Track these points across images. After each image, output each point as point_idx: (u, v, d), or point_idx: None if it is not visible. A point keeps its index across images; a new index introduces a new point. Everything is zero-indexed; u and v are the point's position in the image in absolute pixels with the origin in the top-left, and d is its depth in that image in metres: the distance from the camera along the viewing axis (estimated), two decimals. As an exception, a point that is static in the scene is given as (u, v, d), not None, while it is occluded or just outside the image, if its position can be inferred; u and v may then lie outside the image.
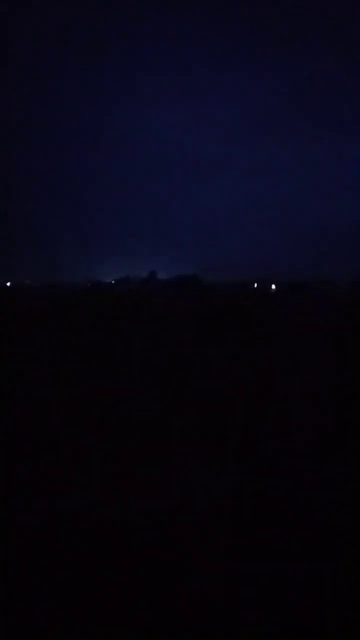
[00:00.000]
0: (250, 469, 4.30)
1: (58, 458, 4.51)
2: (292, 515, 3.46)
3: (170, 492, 3.80)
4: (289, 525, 3.32)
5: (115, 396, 6.97)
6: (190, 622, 2.43)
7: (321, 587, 2.70)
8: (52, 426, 5.49)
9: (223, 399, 6.80)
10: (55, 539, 3.13)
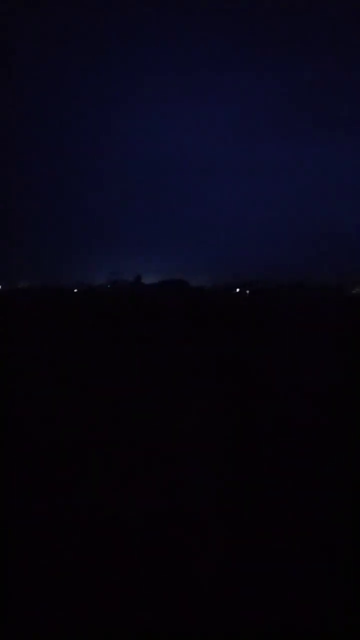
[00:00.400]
0: (250, 469, 4.30)
1: (58, 458, 4.51)
2: (292, 515, 3.46)
3: (170, 492, 3.80)
4: (289, 525, 3.32)
5: (115, 396, 6.97)
6: (190, 622, 2.43)
7: (321, 587, 2.70)
8: (52, 426, 5.49)
9: (223, 399, 6.80)
10: (55, 539, 3.13)
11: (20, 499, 3.71)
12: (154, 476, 4.12)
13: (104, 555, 2.95)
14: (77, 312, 25.44)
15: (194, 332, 15.67)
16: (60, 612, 2.48)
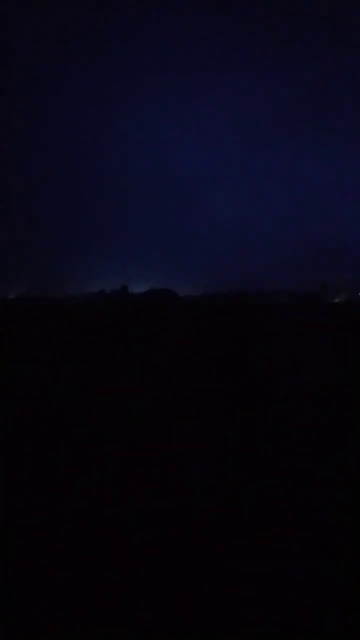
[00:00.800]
0: (250, 469, 4.30)
1: (58, 458, 4.51)
2: (292, 515, 3.46)
3: (170, 492, 3.80)
4: (289, 525, 3.32)
5: (115, 396, 6.97)
6: (190, 622, 2.42)
7: (321, 587, 2.70)
8: (52, 426, 5.49)
9: (223, 399, 6.80)
10: (55, 539, 3.12)
11: (20, 499, 3.71)
12: (154, 476, 4.12)
13: (104, 555, 2.95)
14: (77, 312, 25.47)
15: (194, 332, 15.68)
16: (60, 612, 2.48)
